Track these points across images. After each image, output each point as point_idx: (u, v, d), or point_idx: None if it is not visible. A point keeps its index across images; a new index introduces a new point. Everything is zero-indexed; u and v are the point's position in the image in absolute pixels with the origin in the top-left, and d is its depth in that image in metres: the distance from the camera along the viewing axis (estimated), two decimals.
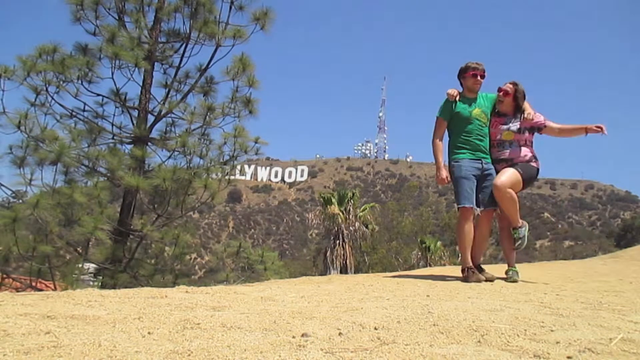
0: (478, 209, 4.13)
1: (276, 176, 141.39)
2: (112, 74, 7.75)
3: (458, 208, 4.11)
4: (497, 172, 4.17)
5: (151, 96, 8.20)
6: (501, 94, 4.30)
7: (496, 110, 4.36)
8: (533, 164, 4.24)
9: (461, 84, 4.31)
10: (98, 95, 7.98)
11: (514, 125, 4.27)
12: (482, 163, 4.14)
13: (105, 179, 7.42)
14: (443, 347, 1.47)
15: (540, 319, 1.91)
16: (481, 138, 4.20)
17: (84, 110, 7.92)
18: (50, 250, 6.40)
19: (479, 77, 4.22)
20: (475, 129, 4.18)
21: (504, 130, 4.27)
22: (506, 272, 4.11)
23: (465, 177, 4.06)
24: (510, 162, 4.18)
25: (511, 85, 4.31)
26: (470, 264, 3.99)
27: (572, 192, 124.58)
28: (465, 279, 3.91)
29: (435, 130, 4.29)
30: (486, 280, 3.89)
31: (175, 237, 7.12)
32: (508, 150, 4.23)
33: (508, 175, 4.06)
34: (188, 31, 8.13)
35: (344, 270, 24.29)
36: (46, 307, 2.01)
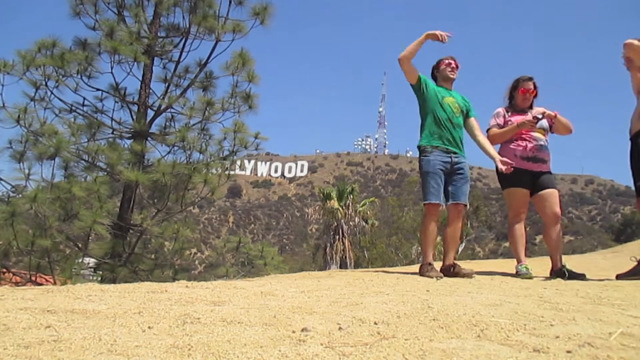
0: (443, 204, 4.01)
1: (276, 171, 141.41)
2: (112, 68, 7.76)
3: (424, 204, 4.01)
4: (538, 175, 4.12)
5: (151, 91, 8.20)
6: (530, 92, 4.25)
7: (512, 108, 4.31)
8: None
9: (435, 78, 4.28)
10: (97, 89, 7.98)
11: (545, 123, 4.21)
12: (451, 157, 4.03)
13: (105, 173, 7.42)
14: (443, 342, 1.48)
15: (539, 313, 1.91)
16: (452, 129, 4.09)
17: (83, 105, 7.92)
18: (50, 245, 6.40)
19: (453, 65, 4.21)
20: (445, 117, 4.07)
21: (538, 127, 4.15)
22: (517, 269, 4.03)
23: (433, 172, 3.96)
24: (547, 166, 4.17)
25: (531, 83, 4.28)
26: (430, 260, 3.92)
27: (572, 187, 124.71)
28: (422, 273, 3.82)
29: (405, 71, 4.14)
30: (454, 276, 3.78)
31: (175, 232, 7.12)
32: (545, 151, 4.18)
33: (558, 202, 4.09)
34: (187, 26, 8.11)
35: (343, 266, 24.35)
36: (46, 301, 2.01)
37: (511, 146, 4.17)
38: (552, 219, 4.08)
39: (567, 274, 3.84)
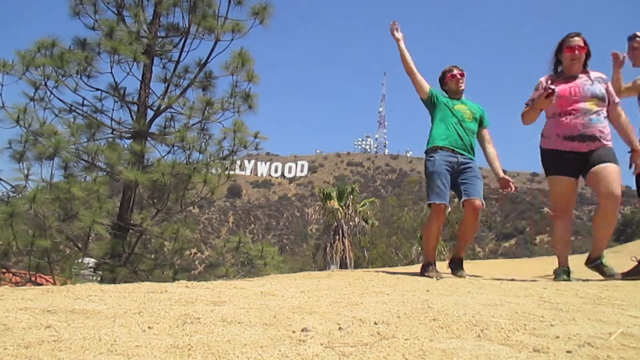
0: (449, 206, 3.91)
1: (276, 171, 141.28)
2: (111, 68, 7.77)
3: (428, 204, 3.93)
4: (588, 154, 3.35)
5: (150, 91, 8.21)
6: (576, 52, 3.48)
7: (559, 75, 3.61)
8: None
9: (446, 92, 4.22)
10: (97, 89, 8.00)
11: (599, 89, 3.42)
12: (458, 157, 3.95)
13: (105, 173, 7.43)
14: (443, 342, 1.47)
15: (539, 313, 1.91)
16: (462, 132, 4.02)
17: (83, 105, 7.93)
18: (49, 245, 6.40)
19: (458, 76, 4.16)
20: (455, 121, 4.02)
21: (589, 96, 3.40)
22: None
23: (438, 172, 3.86)
24: (600, 142, 3.38)
25: (580, 39, 3.52)
26: (431, 260, 3.95)
27: None
28: (422, 273, 3.87)
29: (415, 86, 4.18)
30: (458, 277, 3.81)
31: (175, 232, 7.13)
32: (597, 125, 3.37)
33: (617, 180, 3.25)
34: (187, 25, 8.12)
35: (343, 266, 24.34)
36: (46, 301, 2.01)
37: (554, 125, 3.51)
38: (606, 199, 3.27)
39: (604, 269, 3.50)
